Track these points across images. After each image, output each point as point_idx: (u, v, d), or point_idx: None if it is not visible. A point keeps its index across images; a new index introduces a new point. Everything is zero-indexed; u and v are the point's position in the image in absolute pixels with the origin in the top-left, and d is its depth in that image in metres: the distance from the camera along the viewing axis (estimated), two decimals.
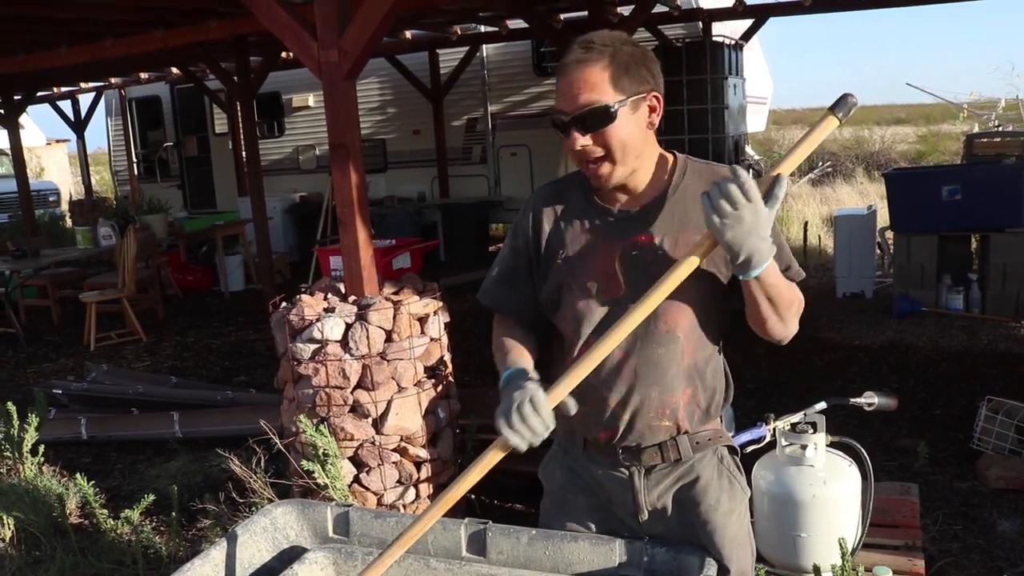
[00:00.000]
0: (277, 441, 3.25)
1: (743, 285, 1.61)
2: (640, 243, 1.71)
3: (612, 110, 1.60)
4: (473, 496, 3.70)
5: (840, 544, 2.23)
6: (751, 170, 9.42)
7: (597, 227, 1.74)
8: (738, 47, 8.74)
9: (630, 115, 1.63)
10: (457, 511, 3.59)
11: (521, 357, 1.77)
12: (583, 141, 1.62)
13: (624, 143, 1.63)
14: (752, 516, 3.01)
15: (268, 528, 1.90)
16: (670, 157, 1.76)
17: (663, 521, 1.82)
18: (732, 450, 1.86)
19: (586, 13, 7.26)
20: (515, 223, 1.86)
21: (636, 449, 1.77)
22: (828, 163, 17.37)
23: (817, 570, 2.39)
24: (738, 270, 1.58)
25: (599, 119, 1.61)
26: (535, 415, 1.57)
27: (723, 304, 1.75)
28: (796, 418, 2.82)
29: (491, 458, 1.61)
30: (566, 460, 1.88)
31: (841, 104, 1.59)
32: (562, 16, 8.41)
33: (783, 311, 1.67)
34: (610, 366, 1.71)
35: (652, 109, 1.67)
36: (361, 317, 3.32)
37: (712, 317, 1.75)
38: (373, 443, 3.31)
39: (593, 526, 1.85)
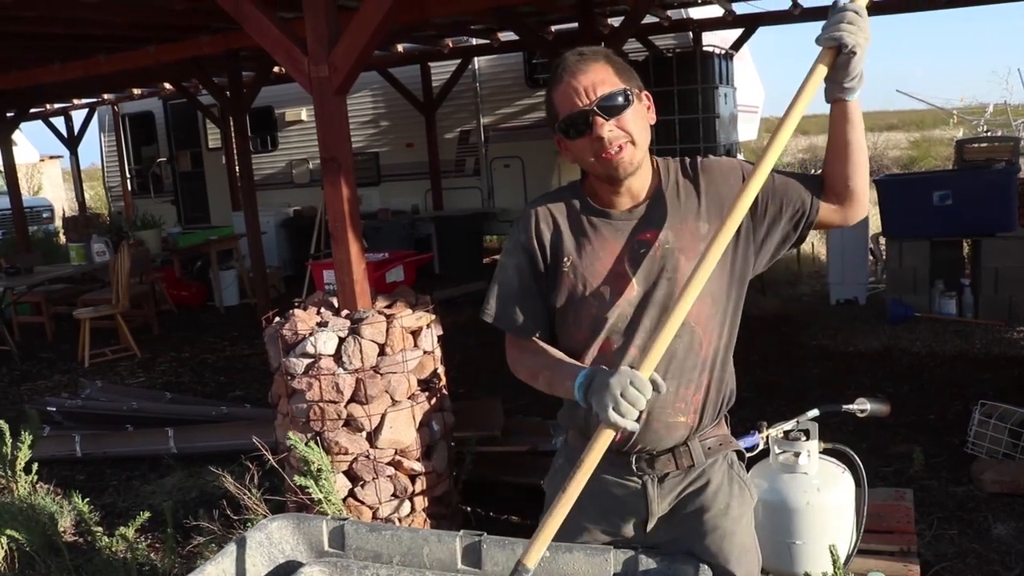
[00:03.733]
0: (270, 457, 3.24)
1: (842, 112, 1.67)
2: (646, 240, 1.73)
3: (629, 93, 1.69)
4: (468, 508, 3.70)
5: (831, 552, 2.23)
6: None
7: (599, 230, 1.76)
8: (728, 56, 8.78)
9: (638, 103, 1.71)
10: (452, 522, 3.59)
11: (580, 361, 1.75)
12: (609, 126, 1.66)
13: (640, 127, 1.70)
14: None
15: (263, 543, 1.90)
16: (652, 158, 1.82)
17: (668, 528, 1.83)
18: (740, 455, 1.89)
19: (576, 25, 7.29)
20: (512, 242, 1.84)
21: (650, 457, 1.78)
22: (820, 170, 17.45)
23: None
24: (846, 89, 1.62)
25: (621, 103, 1.67)
26: (639, 394, 1.52)
27: (739, 290, 1.79)
28: (789, 425, 2.83)
29: (602, 442, 1.57)
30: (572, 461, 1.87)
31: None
32: (553, 28, 8.45)
33: (865, 149, 1.74)
34: (627, 362, 1.70)
35: (648, 107, 1.75)
36: (354, 331, 3.32)
37: (728, 309, 1.78)
38: (367, 457, 3.31)
39: (595, 535, 1.86)
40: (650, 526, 1.83)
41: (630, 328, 1.74)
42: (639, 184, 1.75)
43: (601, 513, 1.87)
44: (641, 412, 1.54)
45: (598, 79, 1.67)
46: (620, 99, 1.67)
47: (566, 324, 1.79)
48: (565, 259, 1.77)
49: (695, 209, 1.75)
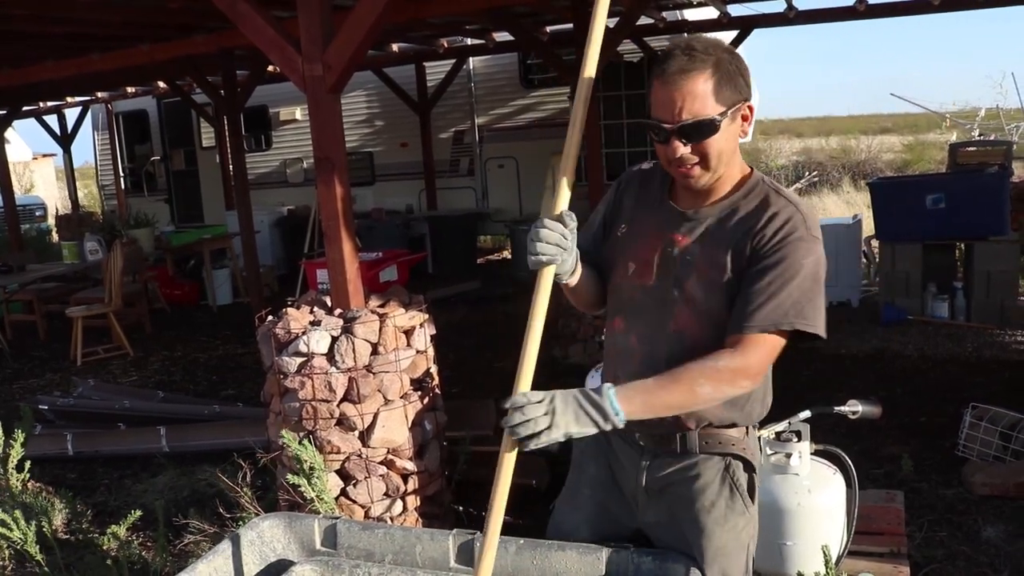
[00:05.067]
0: (262, 455, 3.24)
1: None
2: (676, 242, 1.80)
3: (717, 124, 1.66)
4: (460, 507, 3.70)
5: (824, 552, 2.25)
6: None
7: (655, 217, 1.86)
8: None
9: (728, 125, 1.69)
10: (445, 522, 3.59)
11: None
12: (684, 151, 1.69)
13: (720, 152, 1.70)
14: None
15: (255, 541, 1.90)
16: (748, 172, 1.81)
17: (656, 509, 1.88)
18: (748, 466, 1.87)
19: (571, 26, 7.30)
20: (607, 193, 2.01)
21: (651, 435, 1.86)
22: (815, 172, 17.49)
23: None
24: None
25: (703, 132, 1.66)
26: (543, 228, 1.69)
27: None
28: (781, 427, 2.84)
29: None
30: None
31: None
32: (548, 29, 8.45)
33: (690, 402, 1.70)
34: (625, 347, 1.85)
35: (745, 119, 1.73)
36: (347, 330, 3.32)
37: (726, 326, 1.75)
38: (360, 456, 3.31)
39: (594, 505, 1.95)
40: (640, 500, 1.89)
41: (637, 313, 1.84)
42: (713, 191, 1.79)
43: (602, 482, 1.95)
44: (550, 240, 1.69)
45: (692, 96, 1.64)
46: (705, 128, 1.66)
47: (607, 277, 1.93)
48: (621, 227, 1.91)
49: (727, 241, 1.75)
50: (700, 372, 1.66)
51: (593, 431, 1.62)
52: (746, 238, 1.72)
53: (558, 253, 1.70)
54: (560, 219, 1.70)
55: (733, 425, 1.84)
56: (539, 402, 1.59)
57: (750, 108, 1.72)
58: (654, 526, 1.90)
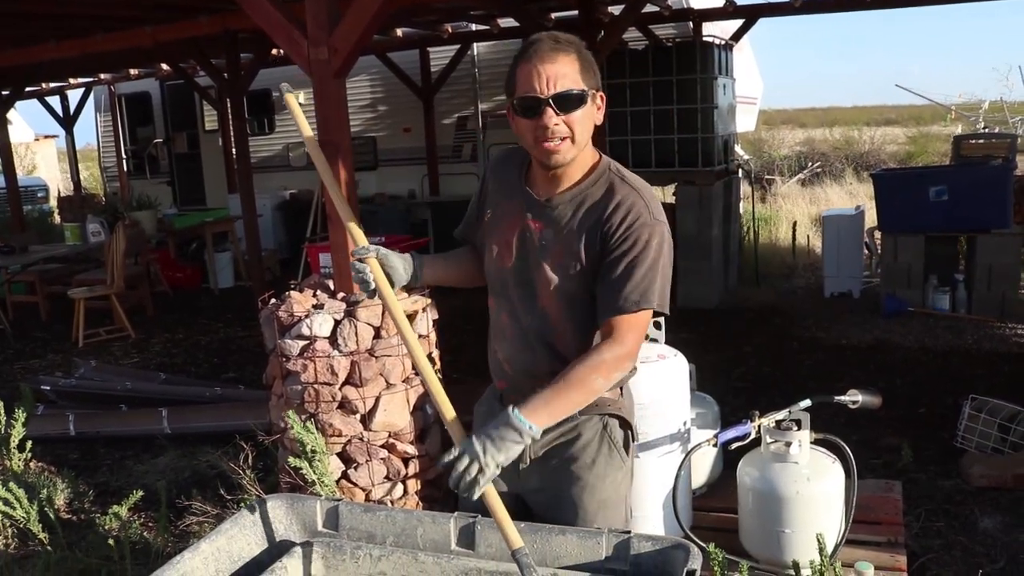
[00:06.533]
0: (264, 438, 3.25)
1: None
2: (532, 228, 1.93)
3: (585, 96, 1.81)
4: None
5: (818, 540, 2.26)
6: (740, 169, 9.45)
7: (514, 202, 1.97)
8: (728, 47, 8.76)
9: (591, 105, 1.84)
10: (445, 506, 3.60)
11: (435, 258, 2.15)
12: (557, 120, 1.79)
13: (585, 127, 1.83)
14: (737, 511, 3.04)
15: (257, 522, 1.91)
16: (596, 157, 1.93)
17: (540, 475, 2.00)
18: (624, 423, 2.02)
19: (576, 12, 7.27)
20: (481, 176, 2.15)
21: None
22: (818, 163, 17.44)
23: (796, 566, 2.41)
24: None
25: (574, 102, 1.79)
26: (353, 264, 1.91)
27: (586, 293, 1.91)
28: (781, 415, 2.85)
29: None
30: (491, 399, 2.14)
31: None
32: (553, 15, 8.42)
33: (585, 397, 1.82)
34: (498, 324, 2.02)
35: (598, 108, 1.87)
36: (350, 314, 3.33)
37: (588, 304, 1.88)
38: (361, 439, 3.32)
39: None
40: (522, 466, 1.98)
41: (504, 293, 1.99)
42: (566, 176, 1.89)
43: None
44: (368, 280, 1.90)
45: (562, 72, 1.78)
46: (576, 98, 1.79)
47: (483, 258, 2.07)
48: (487, 212, 2.04)
49: (578, 228, 1.87)
50: (590, 369, 1.78)
51: (520, 449, 1.71)
52: (596, 227, 1.85)
53: (365, 285, 1.90)
54: (352, 254, 1.91)
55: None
56: (460, 455, 1.68)
57: (603, 98, 1.87)
58: (535, 492, 2.02)
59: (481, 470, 1.65)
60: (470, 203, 2.15)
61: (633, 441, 2.04)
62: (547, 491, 2.00)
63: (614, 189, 1.87)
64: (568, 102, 1.78)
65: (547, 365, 1.90)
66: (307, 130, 2.04)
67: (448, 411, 1.78)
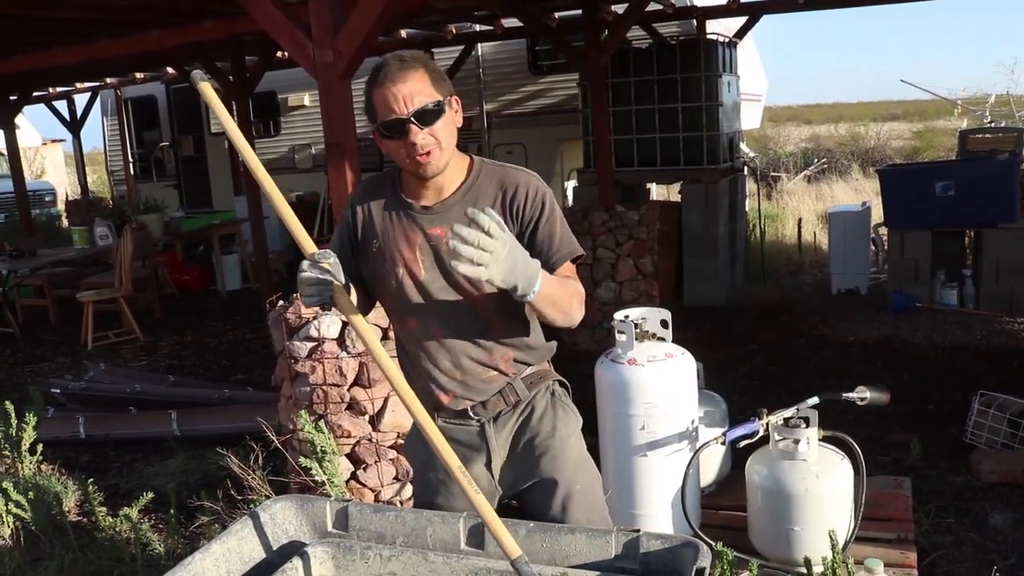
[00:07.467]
0: (275, 439, 3.26)
1: (531, 307, 1.83)
2: (436, 235, 1.97)
3: (443, 105, 1.89)
4: None
5: (831, 536, 2.26)
6: (745, 166, 9.44)
7: (403, 219, 2.01)
8: (732, 44, 8.75)
9: (449, 111, 1.92)
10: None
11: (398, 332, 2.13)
12: (422, 134, 1.86)
13: (449, 133, 1.92)
14: (746, 509, 3.04)
15: (267, 523, 1.92)
16: (468, 159, 2.01)
17: (512, 468, 2.05)
18: (563, 384, 2.13)
19: (580, 12, 7.27)
20: (343, 213, 2.14)
21: (482, 401, 2.03)
22: (823, 159, 17.40)
23: (808, 563, 2.41)
24: (516, 298, 1.77)
25: (434, 114, 1.88)
26: (302, 273, 1.78)
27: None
28: (789, 413, 2.85)
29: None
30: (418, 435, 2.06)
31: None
32: (557, 15, 8.42)
33: (566, 309, 1.89)
34: (430, 342, 2.02)
35: (456, 111, 1.95)
36: None
37: (500, 296, 1.90)
38: (370, 440, 3.33)
39: (452, 498, 2.05)
40: (495, 466, 2.05)
41: (427, 307, 2.00)
42: (445, 182, 1.97)
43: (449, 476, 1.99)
44: (311, 281, 1.77)
45: (416, 89, 1.86)
46: (434, 111, 1.87)
47: (377, 292, 2.08)
48: (374, 240, 2.03)
49: None
50: (575, 291, 1.92)
51: (521, 275, 1.70)
52: (504, 211, 1.94)
53: (324, 291, 1.78)
54: (313, 259, 1.79)
55: (536, 365, 2.08)
56: (495, 238, 1.62)
57: (457, 101, 1.95)
58: (513, 486, 2.07)
59: (485, 265, 1.62)
60: (339, 246, 2.07)
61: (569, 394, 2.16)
62: (523, 479, 2.06)
63: (503, 175, 1.99)
64: (428, 115, 1.87)
65: (498, 353, 2.00)
66: (226, 117, 1.97)
67: (420, 413, 1.77)
